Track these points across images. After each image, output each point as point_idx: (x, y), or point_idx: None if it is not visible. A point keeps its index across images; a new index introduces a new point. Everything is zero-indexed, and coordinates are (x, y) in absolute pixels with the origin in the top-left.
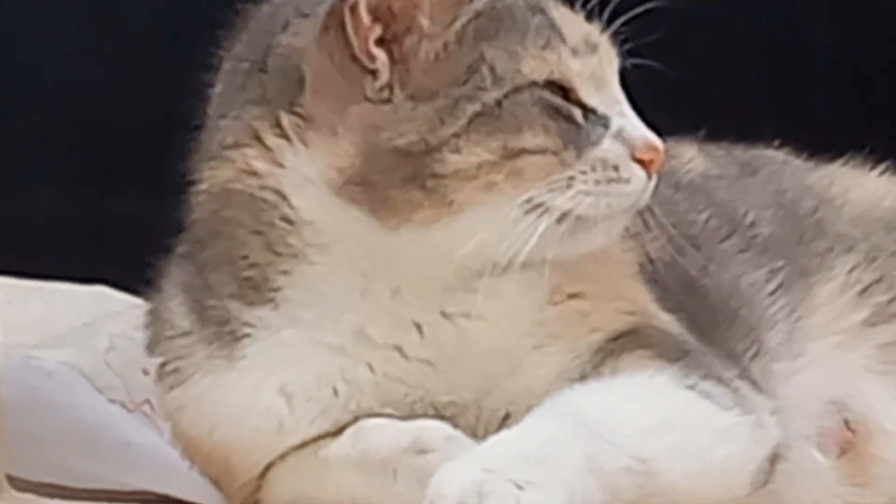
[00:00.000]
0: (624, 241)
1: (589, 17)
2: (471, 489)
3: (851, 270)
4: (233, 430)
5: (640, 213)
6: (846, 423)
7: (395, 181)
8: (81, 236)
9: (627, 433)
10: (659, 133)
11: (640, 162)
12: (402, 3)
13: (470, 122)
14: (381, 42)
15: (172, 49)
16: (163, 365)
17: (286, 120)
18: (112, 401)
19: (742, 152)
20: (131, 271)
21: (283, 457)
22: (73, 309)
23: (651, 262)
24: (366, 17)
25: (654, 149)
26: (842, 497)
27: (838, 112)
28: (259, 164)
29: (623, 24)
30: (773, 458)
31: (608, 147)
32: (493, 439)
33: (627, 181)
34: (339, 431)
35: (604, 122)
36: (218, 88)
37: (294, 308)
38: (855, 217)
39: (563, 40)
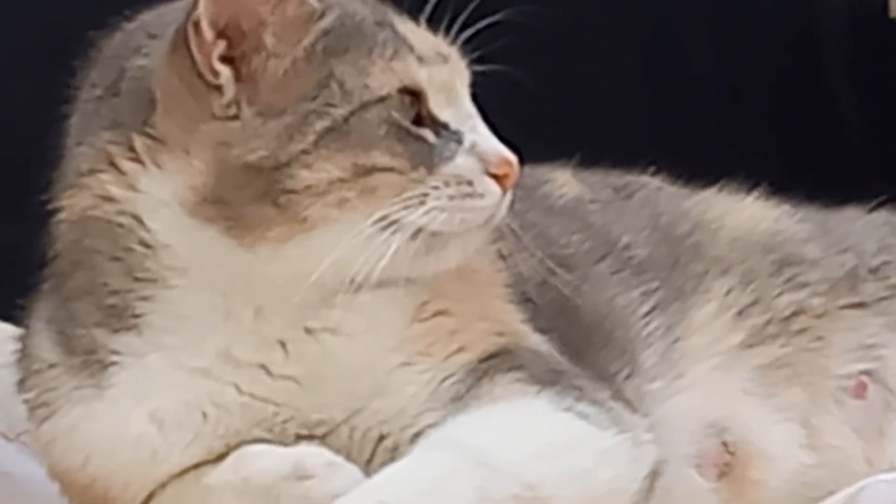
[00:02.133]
0: (494, 262)
1: (435, 32)
2: None
3: (728, 293)
4: (106, 460)
5: (511, 233)
6: (725, 445)
7: (248, 198)
8: None
9: (514, 461)
10: (514, 149)
11: (495, 177)
12: (248, 21)
13: (320, 138)
14: (227, 59)
15: (39, 77)
16: (32, 400)
17: (139, 142)
18: None
19: (617, 178)
20: (6, 300)
21: (163, 486)
22: None
23: (522, 282)
24: (208, 34)
25: (507, 163)
26: None
27: (714, 136)
28: (114, 190)
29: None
30: (653, 476)
31: (461, 162)
32: (384, 473)
33: (482, 196)
34: (219, 459)
35: (457, 137)
36: (74, 118)
37: (158, 333)
38: (731, 241)
39: (411, 49)
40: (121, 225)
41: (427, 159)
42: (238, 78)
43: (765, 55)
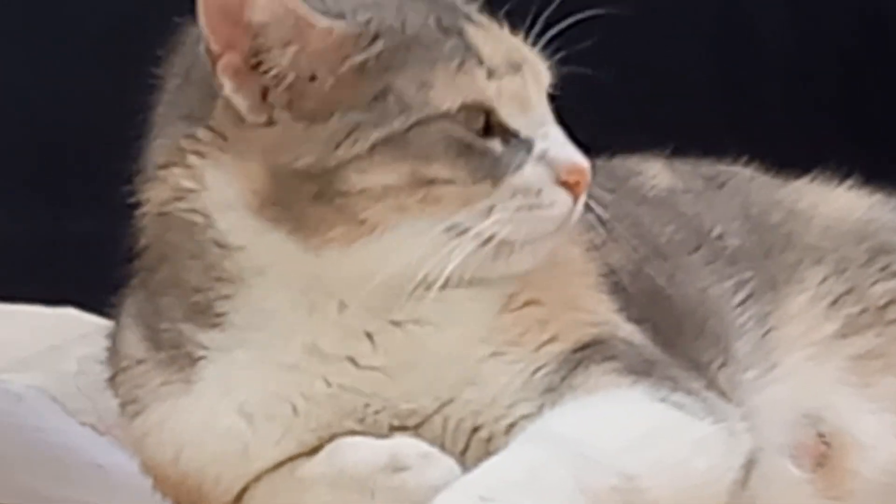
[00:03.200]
0: (586, 252)
1: (516, 32)
2: None
3: (822, 282)
4: (197, 455)
5: (603, 224)
6: (821, 436)
7: (304, 200)
8: (42, 258)
9: (611, 452)
10: (588, 151)
11: (566, 184)
12: (271, 56)
13: (374, 146)
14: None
15: (122, 66)
16: (123, 396)
17: (203, 135)
18: (83, 423)
19: (708, 168)
20: (97, 292)
21: (257, 480)
22: (40, 332)
23: (614, 272)
24: (214, 46)
25: (579, 171)
26: None
27: (802, 127)
28: (186, 183)
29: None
30: (749, 465)
31: (530, 172)
32: (482, 467)
33: (550, 206)
34: (313, 452)
35: (526, 145)
36: (158, 108)
37: (242, 331)
38: (824, 229)
39: (480, 61)
40: (194, 223)
41: (492, 171)
42: (265, 92)
43: (840, 44)
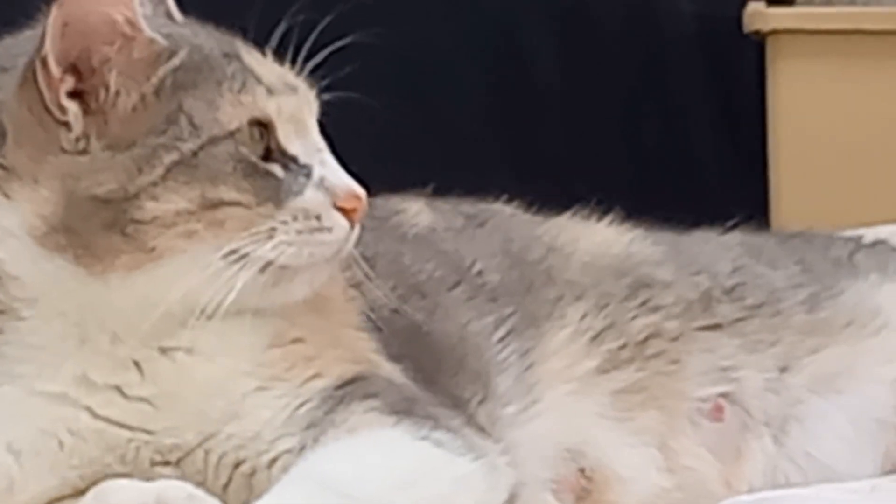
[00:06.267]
0: (346, 290)
1: (282, 62)
2: None
3: (582, 318)
4: None
5: (361, 262)
6: (582, 470)
7: (96, 227)
8: None
9: (375, 493)
10: (361, 182)
11: (343, 210)
12: (96, 58)
13: (168, 171)
14: (76, 94)
15: None
16: None
17: None
18: None
19: (469, 206)
20: None
21: None
22: None
23: (374, 309)
24: (55, 70)
25: (355, 197)
26: None
27: (564, 159)
28: None
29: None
30: (510, 500)
31: (310, 197)
32: None
33: (330, 230)
34: (81, 494)
35: (305, 171)
36: None
37: (11, 364)
38: (584, 265)
39: (259, 81)
40: None
41: (275, 194)
42: (87, 112)
43: (614, 70)
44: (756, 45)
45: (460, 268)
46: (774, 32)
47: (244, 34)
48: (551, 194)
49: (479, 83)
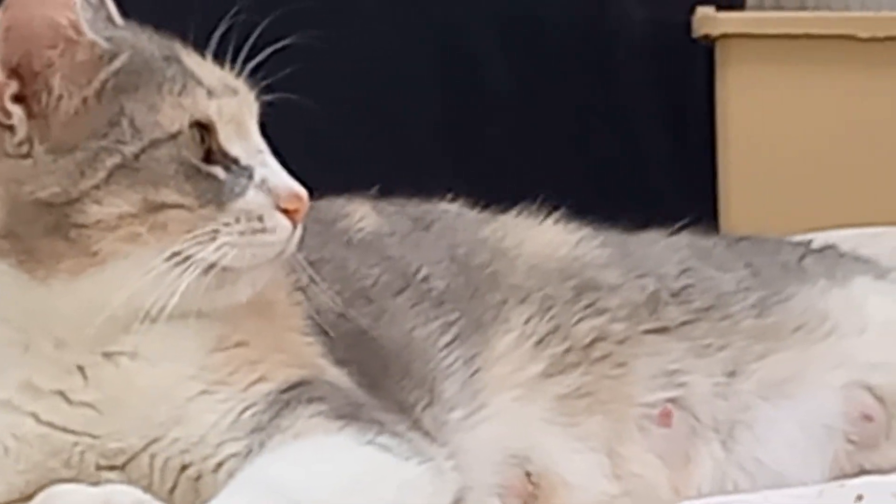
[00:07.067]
0: (290, 295)
1: (222, 65)
2: None
3: (527, 322)
4: None
5: (306, 267)
6: (528, 475)
7: (39, 232)
8: None
9: (322, 498)
10: (303, 183)
11: (285, 211)
12: (39, 61)
13: (110, 174)
14: (20, 98)
15: None
16: None
17: None
18: None
19: (414, 208)
20: None
21: None
22: None
23: (319, 314)
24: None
25: (297, 198)
26: None
27: (512, 157)
28: None
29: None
30: (456, 503)
31: (251, 198)
32: None
33: (272, 231)
34: (28, 499)
35: (247, 172)
36: None
37: None
38: (529, 268)
39: (200, 83)
40: None
41: (217, 196)
42: (30, 115)
43: (563, 74)
44: (705, 50)
45: (406, 274)
46: (724, 37)
47: (184, 37)
48: (499, 197)
49: (426, 85)
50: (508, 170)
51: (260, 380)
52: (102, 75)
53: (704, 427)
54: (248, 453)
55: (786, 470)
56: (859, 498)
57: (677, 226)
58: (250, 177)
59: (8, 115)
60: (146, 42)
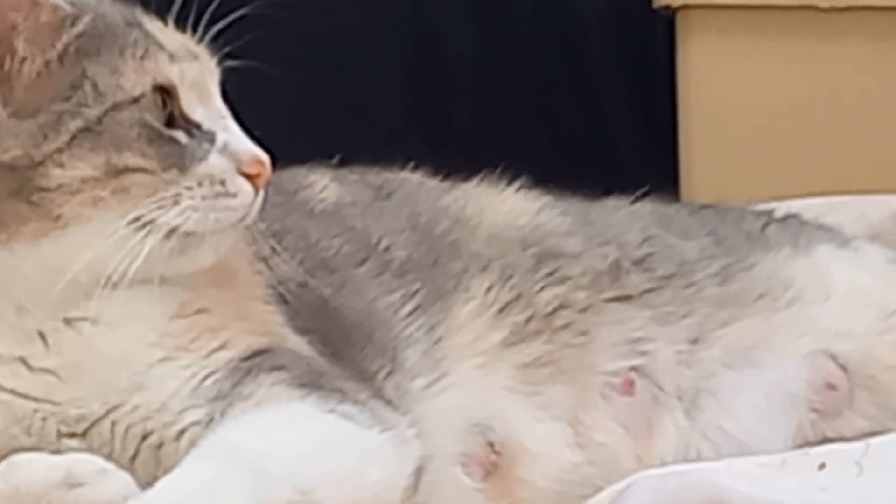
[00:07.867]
0: (253, 263)
1: (183, 31)
2: None
3: (488, 290)
4: None
5: (268, 236)
6: (490, 444)
7: (2, 195)
8: None
9: (286, 465)
10: (265, 149)
11: (247, 176)
12: (3, 24)
13: (73, 137)
14: None
15: None
16: None
17: None
18: None
19: (376, 177)
20: None
21: None
22: None
23: (281, 283)
24: None
25: (260, 162)
26: None
27: (474, 125)
28: None
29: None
30: (418, 472)
31: (214, 162)
32: (160, 483)
33: (234, 195)
34: None
35: (209, 137)
36: None
37: None
38: (490, 237)
39: (162, 47)
40: None
41: (179, 160)
42: None
43: (525, 44)
44: (666, 20)
45: (368, 244)
46: (684, 7)
47: (146, 4)
48: (463, 166)
49: (390, 54)
50: (471, 139)
51: (222, 347)
52: (65, 38)
53: (668, 395)
54: (209, 421)
55: (749, 438)
56: (822, 466)
57: (639, 194)
58: (212, 141)
59: None
60: (108, 6)
